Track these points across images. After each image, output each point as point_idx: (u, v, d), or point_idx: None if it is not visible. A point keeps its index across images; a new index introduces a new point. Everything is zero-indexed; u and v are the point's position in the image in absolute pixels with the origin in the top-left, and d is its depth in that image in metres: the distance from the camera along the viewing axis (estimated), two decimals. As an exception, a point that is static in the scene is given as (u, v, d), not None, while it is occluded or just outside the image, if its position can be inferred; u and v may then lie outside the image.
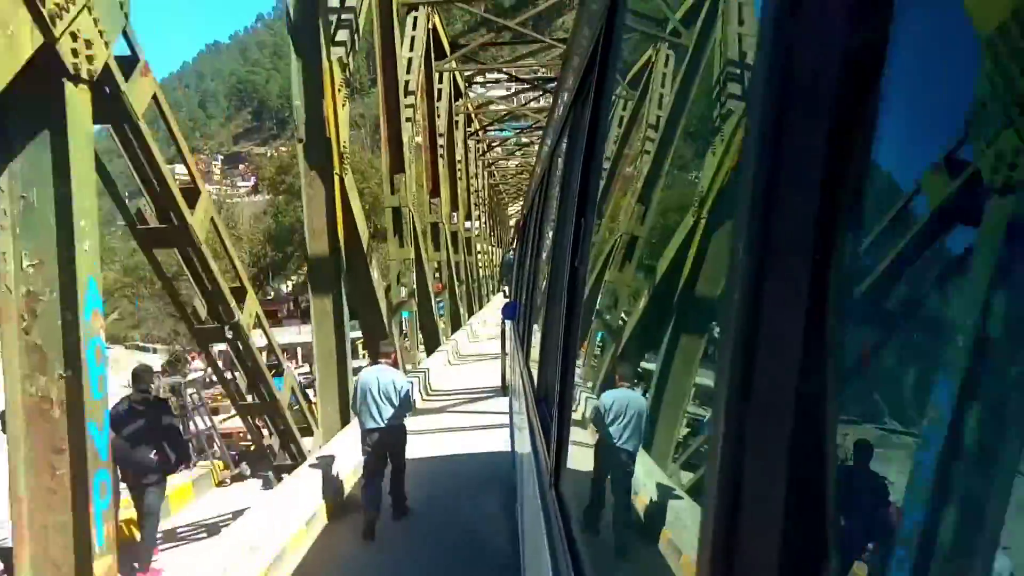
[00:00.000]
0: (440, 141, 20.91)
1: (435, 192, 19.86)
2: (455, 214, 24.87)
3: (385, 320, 11.44)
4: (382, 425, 7.24)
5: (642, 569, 1.17)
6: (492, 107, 37.95)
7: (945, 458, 0.51)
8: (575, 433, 1.84)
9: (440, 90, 22.84)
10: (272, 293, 79.94)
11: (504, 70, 25.62)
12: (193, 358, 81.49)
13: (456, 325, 23.03)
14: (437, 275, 24.00)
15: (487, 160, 42.86)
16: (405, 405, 7.39)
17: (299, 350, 60.73)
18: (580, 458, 1.81)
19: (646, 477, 1.21)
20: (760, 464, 0.60)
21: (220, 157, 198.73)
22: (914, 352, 0.58)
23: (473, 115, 32.11)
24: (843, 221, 0.58)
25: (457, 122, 27.95)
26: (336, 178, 9.19)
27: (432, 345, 17.71)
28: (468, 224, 30.52)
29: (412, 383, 9.73)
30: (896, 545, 0.57)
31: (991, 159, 0.48)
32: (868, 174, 0.59)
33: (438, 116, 21.48)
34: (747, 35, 0.81)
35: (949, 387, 0.52)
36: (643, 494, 1.21)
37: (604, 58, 1.82)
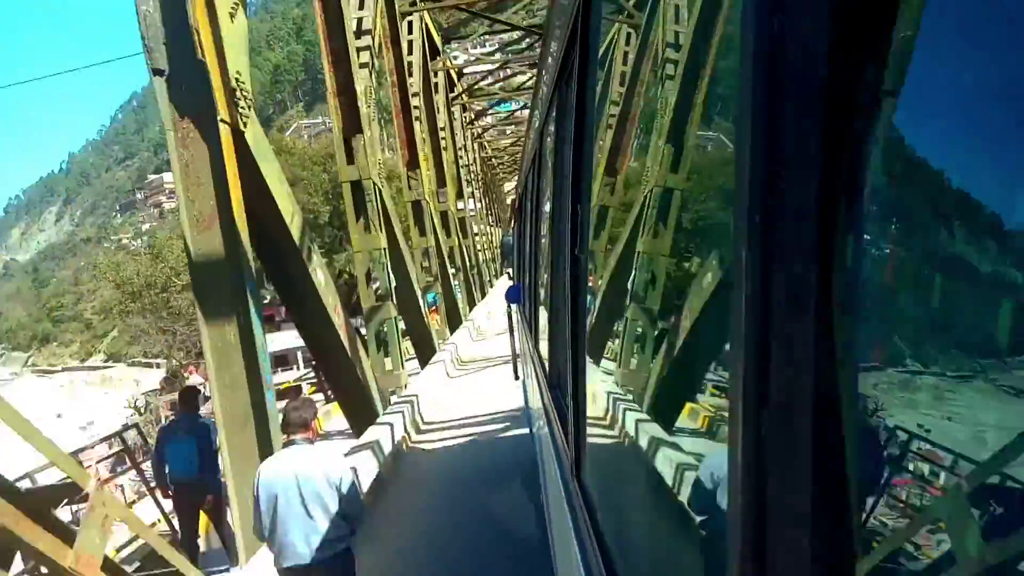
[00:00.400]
0: (415, 102, 17.28)
1: (413, 163, 16.29)
2: (443, 191, 21.31)
3: (342, 335, 7.97)
4: (309, 559, 3.93)
5: (671, 555, 1.17)
6: (475, 70, 34.27)
7: (972, 456, 0.53)
8: (593, 421, 1.80)
9: (411, 42, 19.18)
10: (268, 296, 76.99)
11: (485, 13, 21.86)
12: (190, 372, 78.85)
13: (455, 322, 19.55)
14: (425, 265, 20.65)
15: (476, 130, 39.08)
16: (349, 512, 4.04)
17: (299, 354, 58.09)
18: (600, 446, 1.76)
19: (668, 462, 1.17)
20: (783, 451, 0.60)
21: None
22: (938, 349, 0.59)
23: (455, 76, 28.36)
24: (852, 207, 0.58)
25: (436, 84, 24.30)
26: (225, 130, 5.69)
27: (426, 354, 14.27)
28: (461, 204, 26.97)
29: (356, 467, 6.20)
30: (918, 544, 0.59)
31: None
32: (873, 159, 0.58)
33: (409, 74, 17.85)
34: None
35: (971, 386, 0.54)
36: (667, 479, 1.17)
37: (585, 28, 1.75)
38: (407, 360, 14.83)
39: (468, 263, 25.21)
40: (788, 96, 0.59)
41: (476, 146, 39.12)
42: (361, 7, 12.36)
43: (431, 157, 21.00)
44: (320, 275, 7.43)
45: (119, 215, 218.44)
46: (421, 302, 13.74)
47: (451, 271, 19.82)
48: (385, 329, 10.96)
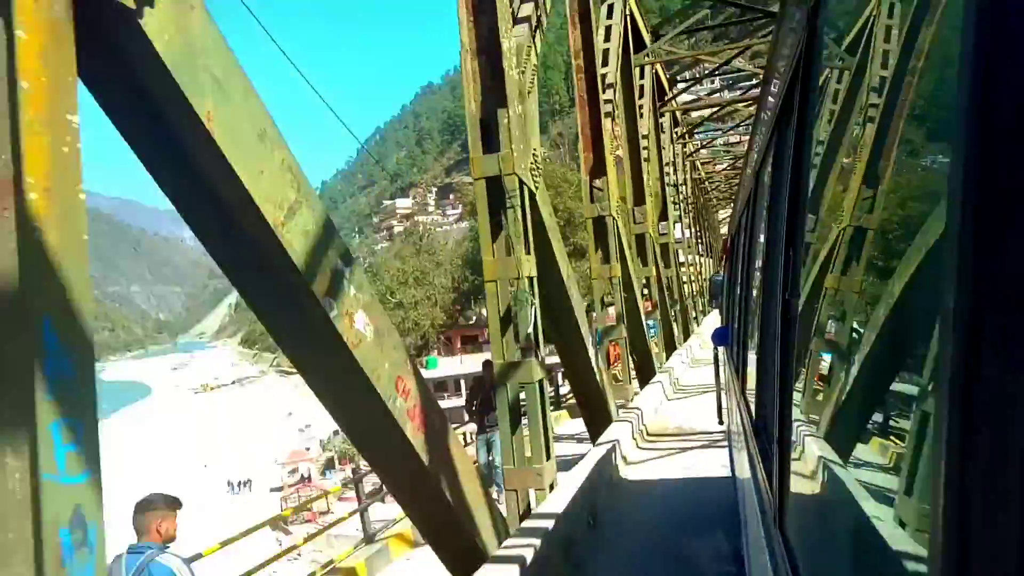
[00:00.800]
0: (608, 96, 13.69)
1: (598, 170, 12.62)
2: (640, 209, 17.40)
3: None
4: None
5: None
6: (690, 96, 30.05)
7: None
8: (798, 468, 1.74)
9: (608, 28, 15.70)
10: (473, 318, 78.10)
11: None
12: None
13: (647, 373, 15.43)
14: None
15: (688, 149, 34.51)
16: None
17: (461, 381, 57.88)
18: (806, 495, 1.68)
19: (879, 518, 1.10)
20: (1009, 516, 0.57)
21: (435, 189, 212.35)
22: None
23: (665, 80, 24.37)
24: None
25: (642, 87, 20.56)
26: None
27: (600, 422, 10.44)
28: (664, 228, 22.79)
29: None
30: None
31: None
32: None
33: (604, 63, 14.31)
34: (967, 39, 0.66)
35: None
36: (879, 534, 1.08)
37: (807, 71, 1.73)
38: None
39: (669, 298, 20.94)
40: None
41: (687, 165, 34.54)
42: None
43: (627, 166, 17.26)
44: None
45: (358, 236, 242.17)
46: (590, 352, 9.94)
47: (643, 306, 15.75)
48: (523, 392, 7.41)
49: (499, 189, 7.25)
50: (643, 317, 15.01)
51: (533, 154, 7.90)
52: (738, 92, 31.24)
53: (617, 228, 12.86)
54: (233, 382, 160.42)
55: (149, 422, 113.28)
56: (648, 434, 11.26)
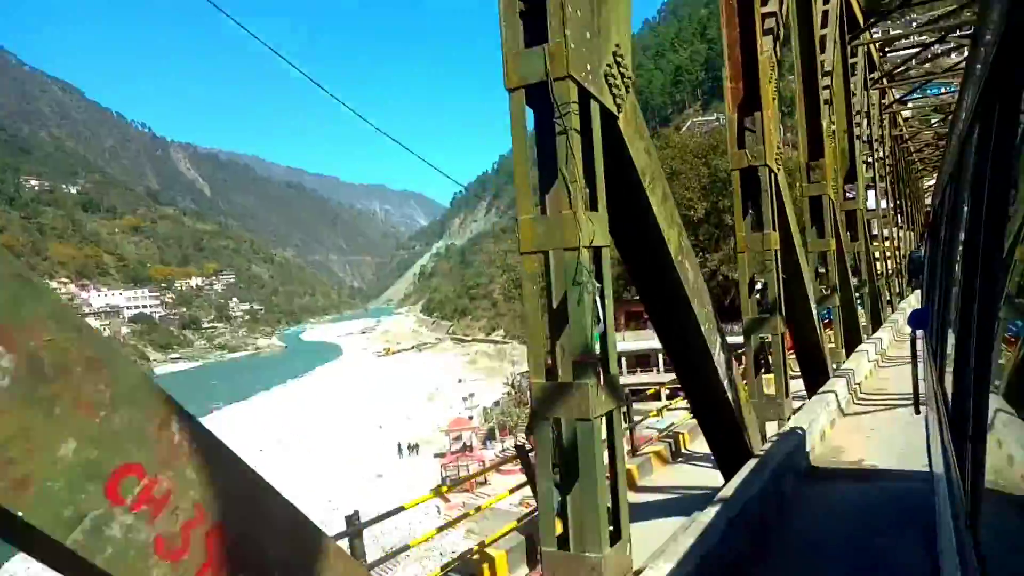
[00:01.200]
0: (769, 8, 10.17)
1: (749, 106, 9.27)
2: (816, 165, 13.50)
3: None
4: None
5: None
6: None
7: None
8: (994, 465, 1.57)
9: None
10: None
11: None
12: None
13: (817, 378, 11.79)
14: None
15: (888, 99, 28.60)
16: None
17: (659, 356, 55.37)
18: (1003, 494, 1.52)
19: None
20: None
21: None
22: None
23: (856, 4, 19.57)
24: None
25: (826, 14, 16.30)
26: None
27: (735, 452, 7.39)
28: (851, 192, 18.39)
29: None
30: None
31: None
32: None
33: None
34: None
35: None
36: None
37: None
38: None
39: (856, 279, 16.68)
40: None
41: (885, 119, 28.68)
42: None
43: (800, 108, 13.48)
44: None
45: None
46: (743, 346, 6.90)
47: (813, 290, 12.07)
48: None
49: (546, 103, 4.52)
50: (813, 304, 11.39)
51: (615, 54, 5.04)
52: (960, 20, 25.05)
53: (776, 184, 9.44)
54: (412, 347, 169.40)
55: (338, 381, 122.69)
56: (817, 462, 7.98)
